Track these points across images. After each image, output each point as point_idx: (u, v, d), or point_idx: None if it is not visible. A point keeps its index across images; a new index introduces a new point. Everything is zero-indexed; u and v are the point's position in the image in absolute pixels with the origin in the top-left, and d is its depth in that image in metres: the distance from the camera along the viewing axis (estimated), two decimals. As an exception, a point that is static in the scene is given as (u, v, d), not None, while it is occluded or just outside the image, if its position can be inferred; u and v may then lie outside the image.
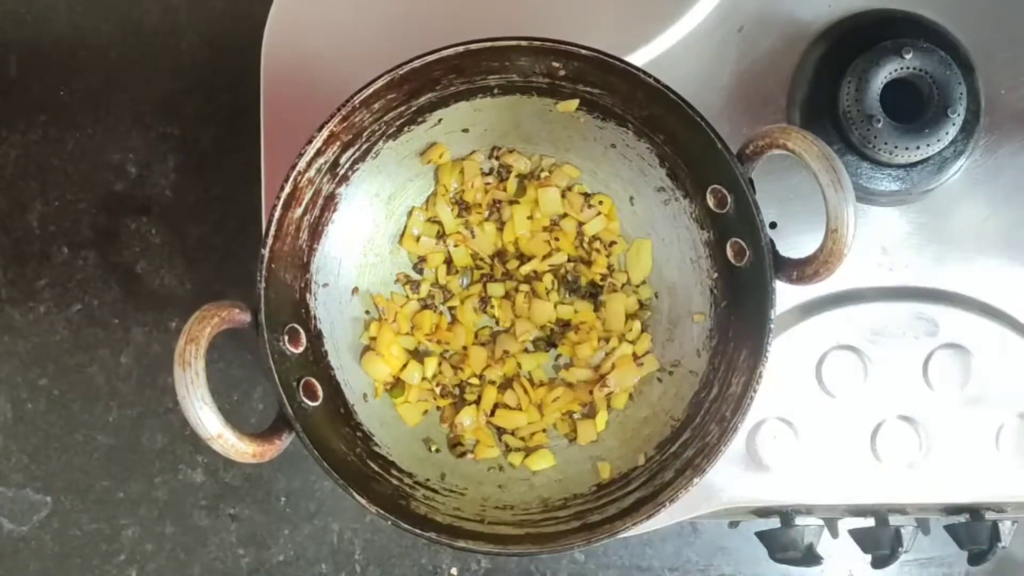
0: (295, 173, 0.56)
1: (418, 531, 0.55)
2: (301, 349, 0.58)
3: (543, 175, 0.65)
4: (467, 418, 0.64)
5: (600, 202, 0.65)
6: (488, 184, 0.65)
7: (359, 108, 0.56)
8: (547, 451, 0.64)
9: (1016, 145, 0.68)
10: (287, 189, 0.56)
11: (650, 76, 0.56)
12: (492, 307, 0.66)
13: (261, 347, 0.54)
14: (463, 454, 0.64)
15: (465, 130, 0.63)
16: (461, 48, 0.56)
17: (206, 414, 0.49)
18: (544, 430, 0.65)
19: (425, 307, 0.65)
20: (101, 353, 0.76)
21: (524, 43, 0.56)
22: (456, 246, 0.66)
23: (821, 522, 0.67)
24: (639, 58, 0.67)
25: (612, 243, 0.66)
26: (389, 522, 0.55)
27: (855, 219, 0.53)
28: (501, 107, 0.61)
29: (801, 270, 0.55)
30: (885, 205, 0.68)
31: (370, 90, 0.55)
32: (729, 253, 0.60)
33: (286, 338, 0.56)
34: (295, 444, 0.54)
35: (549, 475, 0.63)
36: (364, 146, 0.60)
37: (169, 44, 0.77)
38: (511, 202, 0.66)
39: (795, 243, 0.64)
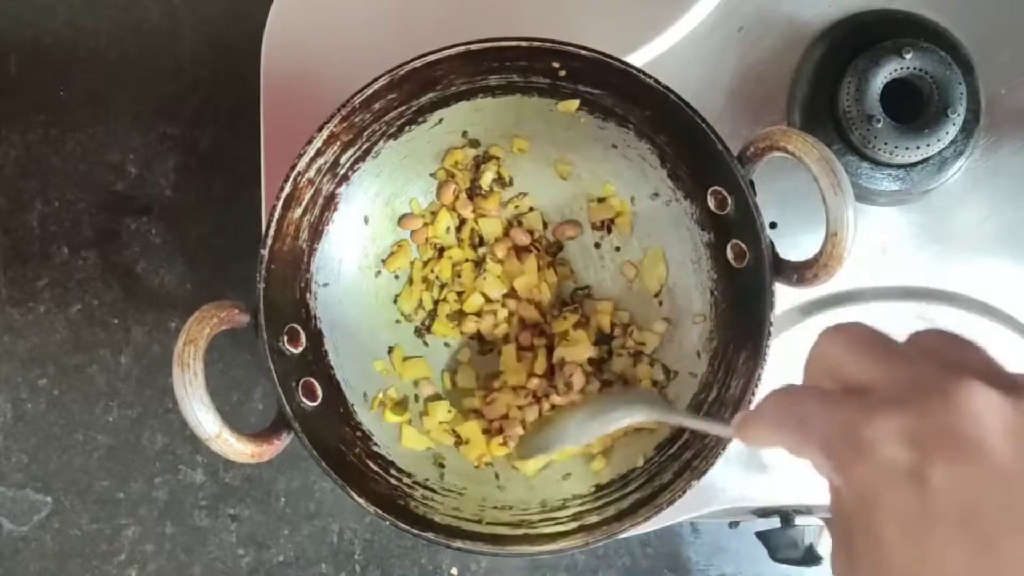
0: (295, 173, 0.56)
1: (416, 531, 0.55)
2: (301, 349, 0.58)
3: None
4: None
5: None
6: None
7: (359, 108, 0.56)
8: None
9: (1016, 145, 0.68)
10: (287, 189, 0.56)
11: (650, 77, 0.56)
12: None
13: (260, 347, 0.54)
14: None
15: (465, 131, 0.63)
16: (462, 48, 0.56)
17: (204, 414, 0.49)
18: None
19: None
20: (101, 353, 0.76)
21: (524, 43, 0.56)
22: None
23: (821, 522, 0.67)
24: (639, 58, 0.67)
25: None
26: (388, 522, 0.55)
27: (855, 223, 0.53)
28: (502, 107, 0.61)
29: (801, 273, 0.55)
30: (885, 205, 0.68)
31: (370, 90, 0.55)
32: (729, 255, 0.60)
33: (286, 338, 0.56)
34: (295, 444, 0.54)
35: (548, 476, 0.63)
36: (364, 146, 0.60)
37: (169, 44, 0.77)
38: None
39: (795, 243, 0.64)
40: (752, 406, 0.39)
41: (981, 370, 0.34)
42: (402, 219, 0.65)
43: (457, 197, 0.65)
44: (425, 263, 0.66)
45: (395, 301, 0.65)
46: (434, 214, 0.65)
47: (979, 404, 0.33)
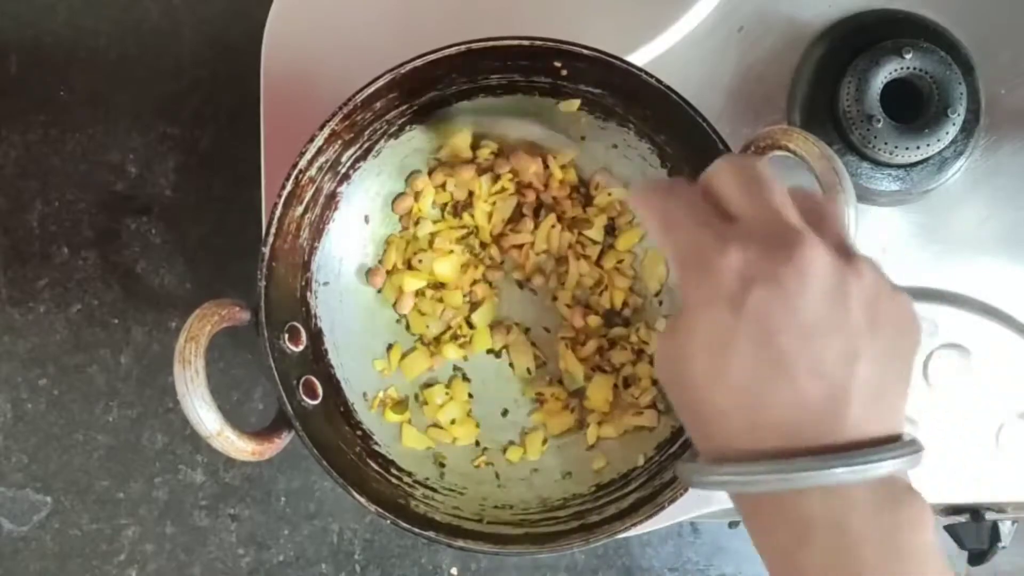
0: (296, 171, 0.56)
1: (417, 530, 0.55)
2: (301, 347, 0.58)
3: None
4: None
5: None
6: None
7: (361, 107, 0.56)
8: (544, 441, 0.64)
9: (1016, 145, 0.68)
10: (288, 187, 0.56)
11: (651, 76, 0.56)
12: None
13: (261, 345, 0.54)
14: None
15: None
16: (463, 47, 0.56)
17: (206, 412, 0.49)
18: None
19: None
20: (101, 353, 0.76)
21: (526, 43, 0.56)
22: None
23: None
24: (639, 58, 0.67)
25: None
26: (388, 521, 0.55)
27: (856, 221, 0.53)
28: (502, 106, 0.62)
29: (802, 270, 0.55)
30: (885, 205, 0.68)
31: (372, 89, 0.55)
32: (730, 253, 0.60)
33: (286, 336, 0.57)
34: (295, 444, 0.54)
35: (548, 475, 0.63)
36: (365, 145, 0.60)
37: (169, 44, 0.77)
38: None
39: (795, 243, 0.64)
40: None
41: (830, 234, 0.41)
42: (395, 201, 0.65)
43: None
44: (405, 242, 0.65)
45: (380, 291, 0.65)
46: (419, 193, 0.65)
47: (809, 260, 0.39)
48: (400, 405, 0.63)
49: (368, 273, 0.64)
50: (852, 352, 0.39)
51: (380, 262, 0.64)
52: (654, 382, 0.63)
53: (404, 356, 0.64)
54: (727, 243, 0.39)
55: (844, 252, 0.40)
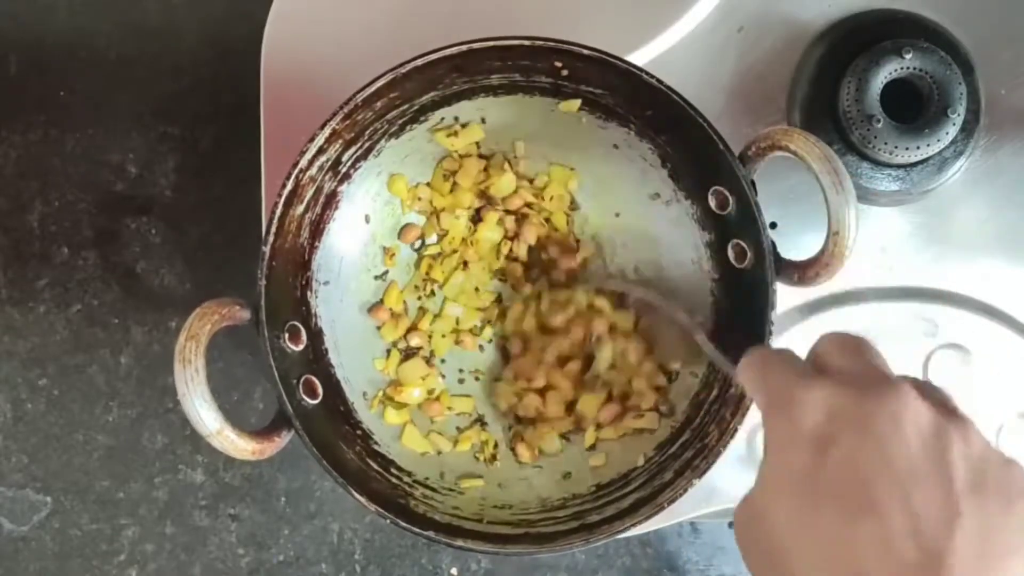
0: (297, 171, 0.56)
1: (417, 530, 0.55)
2: (301, 347, 0.58)
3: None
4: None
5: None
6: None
7: (361, 106, 0.56)
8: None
9: (1016, 145, 0.68)
10: (289, 186, 0.56)
11: (652, 76, 0.56)
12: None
13: (261, 344, 0.54)
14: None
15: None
16: (464, 47, 0.56)
17: (206, 411, 0.49)
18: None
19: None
20: (101, 353, 0.76)
21: (527, 42, 0.56)
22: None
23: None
24: (639, 58, 0.67)
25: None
26: (388, 521, 0.55)
27: (857, 222, 0.53)
28: (503, 106, 0.61)
29: (802, 272, 0.55)
30: (885, 205, 0.68)
31: (373, 88, 0.55)
32: (730, 255, 0.60)
33: (286, 336, 0.57)
34: (295, 444, 0.54)
35: (548, 475, 0.63)
36: (366, 144, 0.60)
37: (169, 44, 0.77)
38: None
39: (796, 243, 0.64)
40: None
41: (932, 391, 0.37)
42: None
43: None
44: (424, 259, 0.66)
45: (383, 302, 0.65)
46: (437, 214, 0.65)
47: (903, 405, 0.36)
48: (400, 405, 0.63)
49: (370, 309, 0.64)
50: (952, 512, 0.34)
51: (382, 301, 0.65)
52: (655, 388, 0.63)
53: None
54: (813, 380, 0.37)
55: (947, 410, 0.37)
